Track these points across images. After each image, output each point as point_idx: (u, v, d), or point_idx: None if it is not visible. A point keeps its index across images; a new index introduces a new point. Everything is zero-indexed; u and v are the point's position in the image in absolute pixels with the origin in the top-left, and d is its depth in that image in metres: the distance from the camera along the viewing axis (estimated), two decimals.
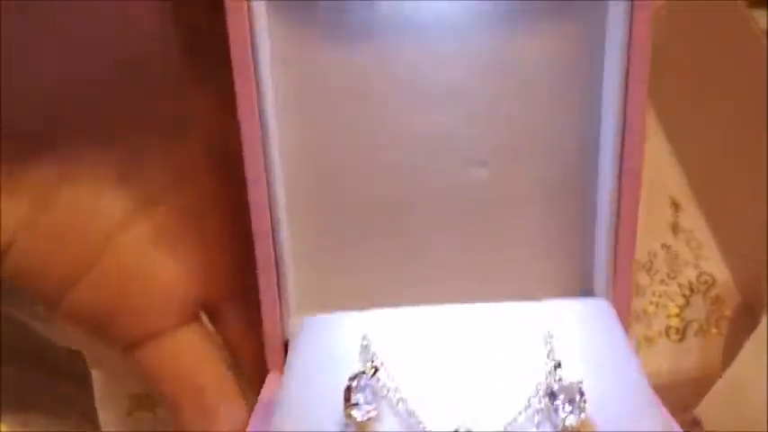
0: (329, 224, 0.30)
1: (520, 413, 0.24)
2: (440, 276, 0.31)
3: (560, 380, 0.24)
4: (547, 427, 0.23)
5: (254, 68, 0.26)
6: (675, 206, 0.51)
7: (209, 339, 0.31)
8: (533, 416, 0.24)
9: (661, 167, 0.54)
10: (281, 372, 0.28)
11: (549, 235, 0.31)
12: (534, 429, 0.23)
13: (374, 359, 0.25)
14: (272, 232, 0.28)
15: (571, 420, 0.23)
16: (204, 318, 0.32)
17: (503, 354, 0.26)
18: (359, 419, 0.23)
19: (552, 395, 0.24)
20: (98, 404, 0.36)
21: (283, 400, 0.26)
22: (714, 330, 0.46)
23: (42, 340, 0.38)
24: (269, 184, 0.28)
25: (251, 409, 0.28)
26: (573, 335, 0.27)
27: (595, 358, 0.26)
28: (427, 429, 0.23)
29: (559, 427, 0.23)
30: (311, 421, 0.24)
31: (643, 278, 0.48)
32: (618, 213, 0.29)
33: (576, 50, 0.29)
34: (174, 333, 0.30)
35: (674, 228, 0.50)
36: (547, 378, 0.24)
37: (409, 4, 0.27)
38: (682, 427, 0.37)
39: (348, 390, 0.24)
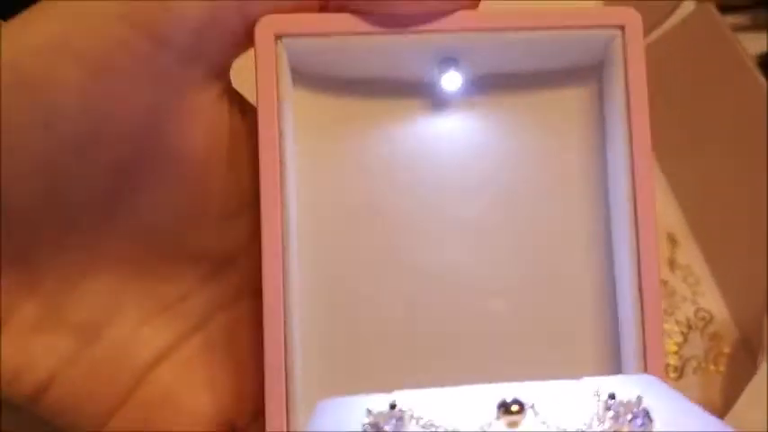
0: (342, 356, 0.30)
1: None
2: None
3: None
4: None
5: (281, 191, 0.27)
6: (672, 242, 0.52)
7: None
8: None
9: (657, 203, 0.53)
10: None
11: (575, 360, 0.30)
12: None
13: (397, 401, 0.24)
14: (285, 367, 0.28)
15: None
16: None
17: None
18: None
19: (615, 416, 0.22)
20: None
21: None
22: (712, 367, 0.46)
23: None
24: (285, 314, 0.28)
25: None
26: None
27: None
28: None
29: None
30: None
31: None
32: (642, 326, 0.28)
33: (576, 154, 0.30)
34: None
35: (672, 263, 0.50)
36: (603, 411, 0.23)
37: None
38: None
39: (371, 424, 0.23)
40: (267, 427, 0.28)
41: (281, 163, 0.27)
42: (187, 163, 0.28)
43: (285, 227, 0.28)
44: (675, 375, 0.45)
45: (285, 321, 0.28)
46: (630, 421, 0.22)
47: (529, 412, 0.23)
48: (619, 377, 0.28)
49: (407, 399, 0.24)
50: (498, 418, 0.22)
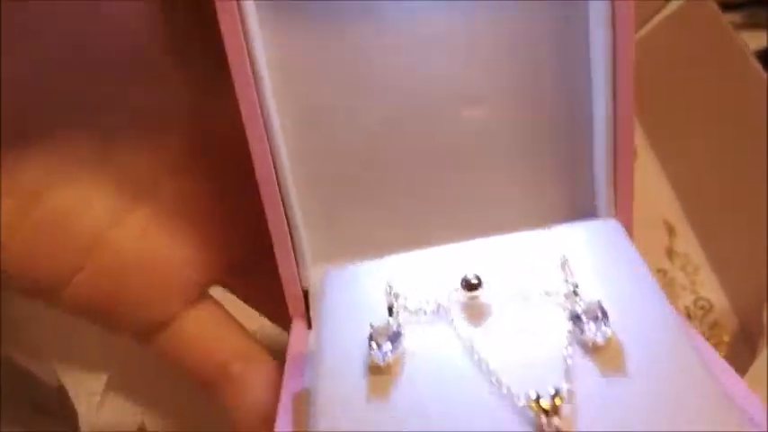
0: (333, 176, 0.31)
1: (547, 338, 0.24)
2: (446, 216, 0.32)
3: (582, 301, 0.25)
4: (576, 348, 0.24)
5: (247, 46, 0.27)
6: (670, 230, 0.51)
7: (223, 313, 0.32)
8: (560, 337, 0.24)
9: (654, 192, 0.53)
10: (304, 318, 0.30)
11: (549, 165, 0.31)
12: (565, 352, 0.23)
13: (394, 301, 0.26)
14: (279, 186, 0.29)
15: (598, 338, 0.23)
16: (217, 291, 0.33)
17: (522, 283, 0.27)
18: (380, 363, 0.24)
19: (576, 318, 0.24)
20: None
21: (313, 354, 0.26)
22: None
23: (31, 378, 0.37)
24: (271, 145, 0.28)
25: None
26: (587, 257, 0.28)
27: (611, 276, 0.27)
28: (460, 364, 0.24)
29: (588, 346, 0.24)
30: (341, 372, 0.24)
31: None
32: (615, 137, 0.30)
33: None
34: (185, 316, 0.31)
35: (669, 252, 0.50)
36: (568, 301, 0.25)
37: None
38: None
39: (370, 336, 0.24)
40: (284, 284, 0.29)
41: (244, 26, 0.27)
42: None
43: (255, 65, 0.27)
44: None
45: (271, 149, 0.28)
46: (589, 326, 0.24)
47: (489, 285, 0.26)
48: (582, 229, 0.30)
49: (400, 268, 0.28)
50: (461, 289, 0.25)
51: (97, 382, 0.34)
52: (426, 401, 0.23)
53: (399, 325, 0.25)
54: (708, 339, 0.45)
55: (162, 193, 0.30)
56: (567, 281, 0.26)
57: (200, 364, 0.31)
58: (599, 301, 0.24)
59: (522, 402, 0.22)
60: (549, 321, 0.25)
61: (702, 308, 0.47)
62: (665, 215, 0.52)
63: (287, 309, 0.30)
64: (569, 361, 0.23)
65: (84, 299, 0.29)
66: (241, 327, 0.32)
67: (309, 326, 0.30)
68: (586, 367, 0.23)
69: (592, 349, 0.24)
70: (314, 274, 0.30)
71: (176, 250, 0.30)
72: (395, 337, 0.24)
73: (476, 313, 0.26)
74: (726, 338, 0.46)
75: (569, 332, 0.24)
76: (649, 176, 0.54)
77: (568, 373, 0.23)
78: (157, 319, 0.30)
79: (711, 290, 0.48)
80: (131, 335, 0.31)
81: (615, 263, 0.28)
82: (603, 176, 0.31)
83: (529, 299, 0.26)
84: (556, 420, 0.21)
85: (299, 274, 0.30)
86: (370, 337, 0.24)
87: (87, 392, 0.34)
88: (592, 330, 0.24)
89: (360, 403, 0.23)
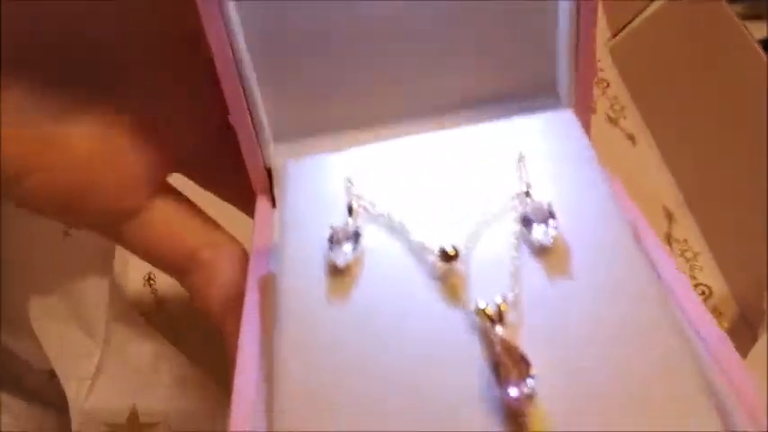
0: (288, 51, 0.30)
1: (494, 234, 0.25)
2: (406, 91, 0.31)
3: (532, 202, 0.25)
4: (523, 248, 0.25)
5: None
6: (669, 216, 0.51)
7: (187, 202, 0.32)
8: (508, 236, 0.25)
9: (653, 177, 0.53)
10: (268, 196, 0.30)
11: (511, 45, 0.31)
12: (515, 253, 0.24)
13: (354, 201, 0.27)
14: (236, 64, 0.28)
15: (545, 240, 0.24)
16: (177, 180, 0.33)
17: (478, 177, 0.27)
18: (340, 265, 0.25)
19: (525, 219, 0.25)
20: None
21: (277, 248, 0.27)
22: None
23: (21, 363, 0.37)
24: (226, 23, 0.28)
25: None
26: (541, 151, 0.28)
27: (563, 174, 0.27)
28: (414, 240, 0.25)
29: (536, 247, 0.25)
30: (302, 273, 0.25)
31: None
32: (578, 27, 0.29)
33: None
34: (149, 207, 0.31)
35: (668, 238, 0.49)
36: (519, 202, 0.26)
37: None
38: None
39: (330, 237, 0.25)
40: (246, 161, 0.29)
41: None
42: None
43: None
44: None
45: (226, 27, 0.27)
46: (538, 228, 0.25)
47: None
48: (539, 121, 0.29)
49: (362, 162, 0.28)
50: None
51: (87, 366, 0.34)
52: (382, 303, 0.24)
53: (358, 226, 0.26)
54: None
55: (117, 86, 0.30)
56: (520, 178, 0.27)
57: (169, 253, 0.31)
58: (549, 204, 0.25)
59: (471, 307, 0.23)
60: (501, 220, 0.26)
61: (702, 294, 0.47)
62: (664, 201, 0.51)
63: (248, 193, 0.31)
64: (516, 263, 0.24)
65: (44, 194, 0.29)
66: (205, 214, 0.32)
67: (274, 204, 0.30)
68: (533, 268, 0.24)
69: (539, 250, 0.24)
70: (275, 153, 0.31)
71: (133, 141, 0.30)
72: (354, 238, 0.25)
73: (430, 214, 0.26)
74: (725, 324, 0.45)
75: (517, 233, 0.25)
76: (649, 163, 0.54)
77: (516, 275, 0.24)
78: (121, 211, 0.30)
79: (711, 276, 0.48)
80: (97, 230, 0.31)
81: (568, 160, 0.28)
82: (565, 64, 0.30)
83: (483, 196, 0.27)
84: (500, 329, 0.22)
85: (261, 152, 0.30)
86: (331, 239, 0.25)
87: (77, 377, 0.34)
88: (539, 232, 0.24)
89: (320, 304, 0.24)
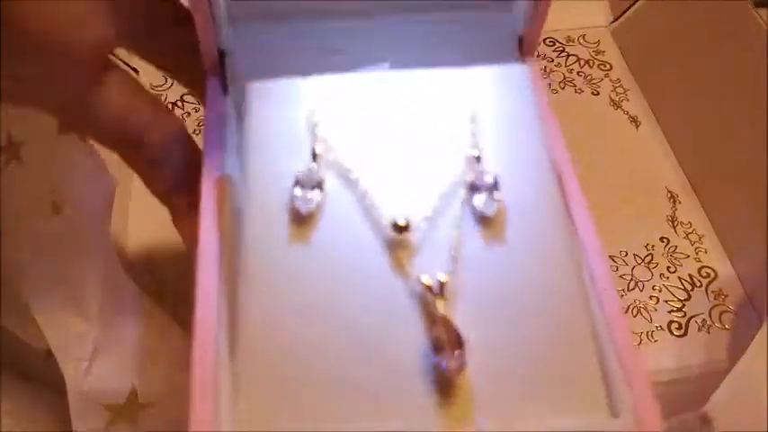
0: None
1: (442, 199, 0.27)
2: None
3: (480, 171, 0.27)
4: (467, 210, 0.27)
5: None
6: (673, 199, 0.50)
7: (133, 81, 0.31)
8: (456, 201, 0.27)
9: (657, 160, 0.52)
10: (220, 79, 0.30)
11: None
12: (460, 224, 0.26)
13: (317, 145, 0.27)
14: None
15: (487, 211, 0.26)
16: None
17: (434, 131, 0.29)
18: (303, 213, 0.26)
19: (472, 186, 0.27)
20: (73, 416, 0.33)
21: (242, 177, 0.27)
22: (718, 325, 0.44)
23: (19, 343, 0.36)
24: None
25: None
26: (494, 106, 0.29)
27: (511, 134, 0.29)
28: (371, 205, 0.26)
29: (478, 214, 0.27)
30: (267, 216, 0.26)
31: (643, 272, 0.46)
32: None
33: None
34: (95, 90, 0.29)
35: (673, 221, 0.49)
36: (469, 167, 0.27)
37: None
38: (691, 426, 0.36)
39: (295, 183, 0.26)
40: (201, 39, 0.29)
41: None
42: None
43: None
44: (680, 333, 0.44)
45: None
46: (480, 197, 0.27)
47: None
48: (497, 72, 0.30)
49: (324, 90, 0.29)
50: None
51: (84, 347, 0.33)
52: (338, 255, 0.26)
53: (321, 175, 0.26)
54: (713, 308, 0.45)
55: None
56: (473, 141, 0.28)
57: (118, 135, 0.30)
58: (494, 176, 0.27)
59: (414, 280, 0.25)
60: (452, 186, 0.27)
61: (707, 276, 0.46)
62: (668, 184, 0.51)
63: (194, 71, 0.31)
64: (459, 234, 0.26)
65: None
66: (152, 94, 0.31)
67: (225, 90, 0.31)
68: (475, 236, 0.26)
69: (481, 218, 0.26)
70: (229, 35, 0.31)
71: (76, 11, 0.29)
72: (317, 185, 0.26)
73: (386, 171, 0.28)
74: (731, 307, 0.45)
75: (463, 202, 0.27)
76: (652, 145, 0.53)
77: (457, 247, 0.26)
78: (69, 94, 0.29)
79: (716, 258, 0.47)
80: (66, 100, 0.30)
81: (516, 120, 0.29)
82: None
83: (437, 155, 0.28)
84: (440, 304, 0.24)
85: (215, 32, 0.30)
86: (295, 183, 0.26)
87: (74, 358, 0.33)
88: (483, 202, 0.26)
89: (282, 251, 0.26)
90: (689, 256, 0.47)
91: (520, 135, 0.29)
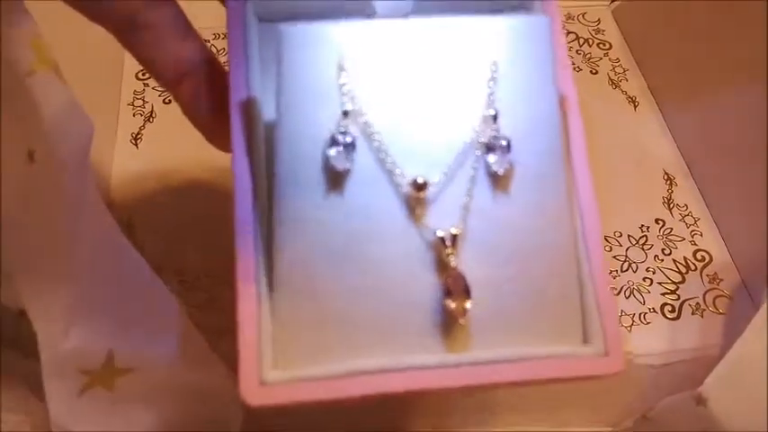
0: None
1: (459, 157, 0.29)
2: None
3: (495, 131, 0.29)
4: (480, 167, 0.29)
5: None
6: (670, 181, 0.49)
7: None
8: (471, 159, 0.29)
9: (655, 141, 0.52)
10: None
11: None
12: (472, 171, 0.29)
13: (347, 104, 0.29)
14: None
15: (498, 168, 0.29)
16: None
17: (454, 85, 0.30)
18: (339, 170, 0.28)
19: (487, 145, 0.29)
20: (46, 379, 0.32)
21: (277, 121, 0.29)
22: (711, 309, 0.43)
23: None
24: None
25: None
26: (512, 60, 0.30)
27: (527, 89, 0.30)
28: (396, 173, 0.29)
29: (490, 171, 0.29)
30: (301, 172, 0.29)
31: (637, 254, 0.46)
32: None
33: None
34: None
35: (669, 203, 0.48)
36: (485, 125, 0.29)
37: None
38: (685, 405, 0.35)
39: (331, 141, 0.28)
40: None
41: None
42: None
43: None
44: (673, 316, 0.43)
45: None
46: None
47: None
48: (512, 22, 0.31)
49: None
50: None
51: (58, 308, 0.31)
52: (366, 209, 0.28)
53: (354, 136, 0.28)
54: (707, 292, 0.44)
55: None
56: (490, 102, 0.29)
57: (108, 14, 0.29)
58: (507, 139, 0.29)
59: (431, 231, 0.28)
60: (468, 143, 0.29)
61: (702, 259, 0.46)
62: (665, 165, 0.50)
63: None
64: (472, 191, 0.29)
65: None
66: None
67: None
68: (485, 190, 0.29)
69: (493, 175, 0.29)
70: None
71: None
72: (350, 146, 0.28)
73: (408, 124, 0.29)
74: (726, 291, 0.44)
75: (478, 159, 0.29)
76: (650, 126, 0.52)
77: (468, 203, 0.29)
78: None
79: (712, 242, 0.47)
80: None
81: (532, 77, 0.30)
82: None
83: (456, 110, 0.29)
84: (452, 258, 0.28)
85: None
86: (331, 142, 0.28)
87: (48, 319, 0.32)
88: (495, 162, 0.29)
89: (314, 195, 0.28)
90: (684, 239, 0.47)
91: (535, 94, 0.30)
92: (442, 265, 0.28)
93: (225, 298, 0.42)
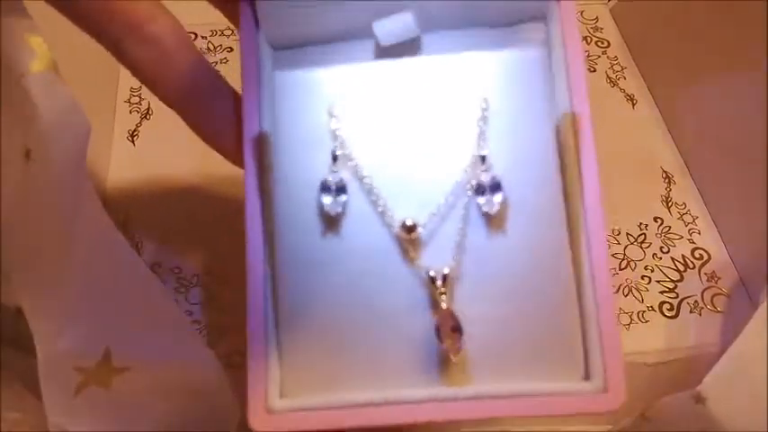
0: None
1: (449, 198, 0.29)
2: None
3: (486, 172, 0.29)
4: (472, 207, 0.29)
5: None
6: (668, 179, 0.49)
7: None
8: (462, 199, 0.29)
9: (653, 139, 0.52)
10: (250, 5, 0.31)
11: None
12: (463, 223, 0.29)
13: (337, 148, 0.30)
14: None
15: (488, 208, 0.29)
16: None
17: (445, 125, 0.30)
18: (332, 215, 0.29)
19: (479, 187, 0.29)
20: (42, 377, 0.32)
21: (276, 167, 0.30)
22: (709, 308, 0.43)
23: None
24: None
25: None
26: (504, 96, 0.30)
27: (518, 127, 0.30)
28: (388, 214, 0.29)
29: (482, 211, 0.29)
30: (297, 218, 0.30)
31: (635, 252, 0.45)
32: None
33: None
34: None
35: (667, 201, 0.48)
36: (475, 166, 0.29)
37: None
38: (684, 404, 0.35)
39: (322, 187, 0.29)
40: None
41: None
42: None
43: None
44: (671, 314, 0.43)
45: None
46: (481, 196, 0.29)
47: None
48: (505, 56, 0.31)
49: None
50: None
51: (56, 305, 0.31)
52: (360, 250, 0.29)
53: (344, 179, 0.30)
54: (705, 291, 0.44)
55: None
56: (480, 143, 0.30)
57: (112, 26, 0.29)
58: (497, 178, 0.29)
59: (423, 273, 0.29)
60: (458, 184, 0.29)
61: (700, 258, 0.45)
62: (663, 164, 0.50)
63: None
64: (464, 232, 0.29)
65: None
66: None
67: (257, 22, 0.31)
68: (478, 231, 0.29)
69: (485, 215, 0.29)
70: None
71: None
72: (341, 189, 0.29)
73: (398, 166, 0.30)
74: (724, 289, 0.44)
75: (468, 201, 0.29)
76: (648, 124, 0.52)
77: (461, 243, 0.29)
78: None
79: (710, 240, 0.46)
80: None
81: (525, 113, 0.30)
82: None
83: (447, 151, 0.30)
84: (444, 298, 0.28)
85: None
86: (322, 189, 0.29)
87: (44, 316, 0.31)
88: (486, 202, 0.29)
89: (316, 240, 0.30)
90: (682, 237, 0.46)
91: (528, 128, 0.30)
92: (434, 304, 0.29)
93: (222, 296, 0.42)
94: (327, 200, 0.29)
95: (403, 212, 0.29)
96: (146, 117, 0.51)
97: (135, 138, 0.50)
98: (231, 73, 0.32)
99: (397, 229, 0.29)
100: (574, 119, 0.30)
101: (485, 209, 0.29)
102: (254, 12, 0.30)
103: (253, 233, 0.30)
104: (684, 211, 0.48)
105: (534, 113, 0.30)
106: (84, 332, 0.32)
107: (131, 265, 0.32)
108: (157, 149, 0.49)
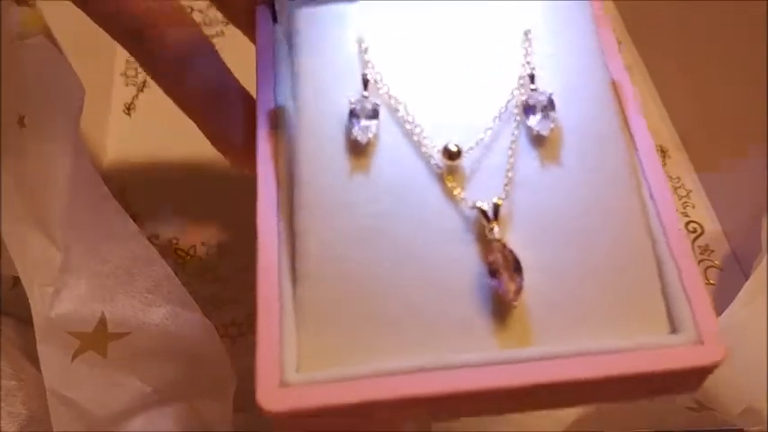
0: None
1: (495, 122, 0.26)
2: None
3: (534, 90, 0.26)
4: (522, 132, 0.26)
5: None
6: (663, 153, 0.49)
7: None
8: (510, 123, 0.26)
9: (648, 112, 0.51)
10: (268, 3, 0.30)
11: None
12: (512, 137, 0.26)
13: (368, 72, 0.27)
14: None
15: (541, 128, 0.26)
16: None
17: (486, 52, 0.28)
18: (362, 142, 0.26)
19: (527, 107, 0.26)
20: (39, 344, 0.32)
21: (295, 106, 0.27)
22: (703, 280, 0.44)
23: None
24: None
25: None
26: (549, 30, 0.28)
27: (567, 54, 0.28)
28: (423, 140, 0.26)
29: (533, 135, 0.26)
30: (323, 147, 0.26)
31: None
32: None
33: None
34: None
35: None
36: (522, 87, 0.27)
37: None
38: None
39: (350, 113, 0.26)
40: None
41: None
42: None
43: None
44: None
45: None
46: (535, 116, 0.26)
47: None
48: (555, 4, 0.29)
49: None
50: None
51: (50, 272, 0.31)
52: (393, 184, 0.25)
53: (375, 102, 0.26)
54: (699, 264, 0.44)
55: None
56: (526, 61, 0.27)
57: (123, 24, 0.29)
58: (549, 95, 0.26)
59: (469, 204, 0.25)
60: (505, 106, 0.26)
61: (694, 231, 0.46)
62: (658, 139, 0.50)
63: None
64: (513, 157, 0.26)
65: None
66: None
67: (275, 18, 0.30)
68: (529, 157, 0.26)
69: (536, 138, 0.26)
70: None
71: None
72: (373, 114, 0.26)
73: (437, 97, 0.27)
74: (717, 262, 0.44)
75: (518, 123, 0.26)
76: (644, 98, 0.52)
77: (511, 169, 0.25)
78: None
79: (703, 214, 0.47)
80: None
81: (572, 43, 0.28)
82: None
83: (488, 75, 0.27)
84: (496, 229, 0.24)
85: None
86: (351, 113, 0.26)
87: (40, 283, 0.31)
88: (538, 122, 0.26)
89: (338, 175, 0.26)
90: (677, 211, 0.47)
91: (575, 52, 0.27)
92: (484, 243, 0.24)
93: (221, 267, 0.42)
94: (357, 126, 0.26)
95: (442, 141, 0.25)
96: (141, 90, 0.51)
97: (131, 110, 0.50)
98: (227, 46, 0.32)
99: (437, 157, 0.25)
100: (615, 85, 0.27)
101: (537, 129, 0.25)
102: None
103: (265, 176, 0.26)
104: (678, 185, 0.48)
105: (580, 41, 0.28)
106: (80, 298, 0.32)
107: (128, 235, 0.32)
108: (154, 122, 0.49)
